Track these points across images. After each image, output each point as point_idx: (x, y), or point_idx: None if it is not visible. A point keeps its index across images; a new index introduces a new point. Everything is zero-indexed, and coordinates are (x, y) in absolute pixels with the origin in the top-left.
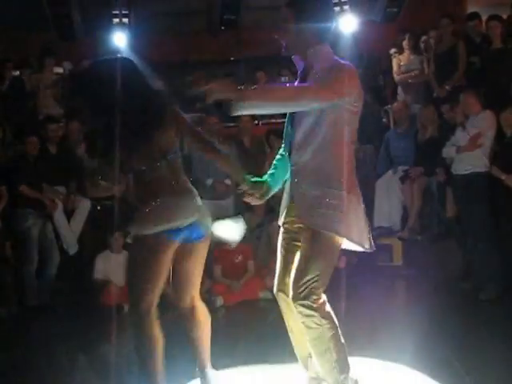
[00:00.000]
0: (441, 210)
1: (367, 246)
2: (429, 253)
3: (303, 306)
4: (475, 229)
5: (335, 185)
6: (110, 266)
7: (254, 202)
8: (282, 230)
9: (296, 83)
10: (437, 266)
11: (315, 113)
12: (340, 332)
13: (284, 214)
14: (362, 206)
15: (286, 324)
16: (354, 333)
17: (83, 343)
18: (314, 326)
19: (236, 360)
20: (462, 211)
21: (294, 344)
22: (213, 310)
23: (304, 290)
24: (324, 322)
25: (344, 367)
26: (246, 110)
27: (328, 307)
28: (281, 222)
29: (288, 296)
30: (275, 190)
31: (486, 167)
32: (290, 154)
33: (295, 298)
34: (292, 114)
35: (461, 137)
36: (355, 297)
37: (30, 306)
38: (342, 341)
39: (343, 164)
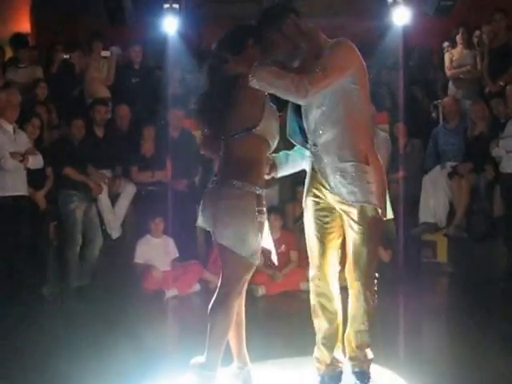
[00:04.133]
0: (488, 209)
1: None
2: (474, 251)
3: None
4: None
5: (357, 158)
6: (151, 251)
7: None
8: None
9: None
10: (481, 265)
11: (323, 95)
12: None
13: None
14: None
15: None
16: (393, 327)
17: (124, 326)
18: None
19: (274, 351)
20: (509, 210)
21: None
22: (254, 299)
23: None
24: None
25: None
26: (258, 86)
27: None
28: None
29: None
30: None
31: None
32: (304, 140)
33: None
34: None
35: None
36: (397, 291)
37: (72, 287)
38: None
39: (361, 137)
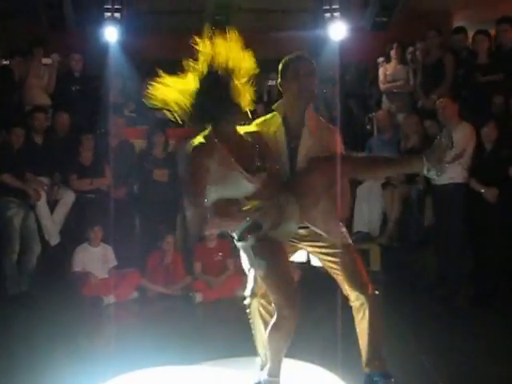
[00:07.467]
0: (419, 218)
1: None
2: (406, 259)
3: None
4: (450, 238)
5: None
6: (89, 259)
7: None
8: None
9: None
10: (414, 273)
11: None
12: None
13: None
14: None
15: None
16: (329, 336)
17: (62, 333)
18: None
19: (212, 355)
20: (439, 220)
21: None
22: (191, 305)
23: None
24: None
25: None
26: None
27: None
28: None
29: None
30: None
31: (464, 179)
32: None
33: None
34: None
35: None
36: (330, 300)
37: (9, 295)
38: None
39: None
